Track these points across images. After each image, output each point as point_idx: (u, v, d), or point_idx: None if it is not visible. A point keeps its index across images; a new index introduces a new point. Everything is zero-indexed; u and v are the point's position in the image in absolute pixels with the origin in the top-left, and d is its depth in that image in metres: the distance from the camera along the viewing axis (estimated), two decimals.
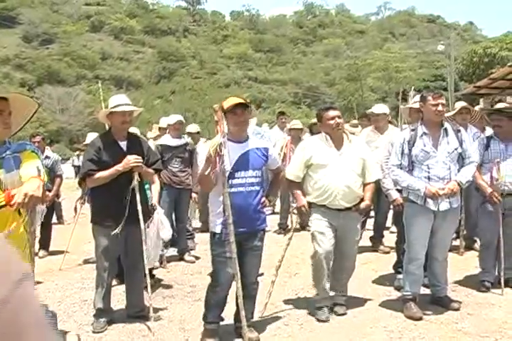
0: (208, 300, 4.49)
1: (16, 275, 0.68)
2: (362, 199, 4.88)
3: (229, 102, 4.26)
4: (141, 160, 4.67)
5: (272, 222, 9.59)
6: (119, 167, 4.58)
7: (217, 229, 4.30)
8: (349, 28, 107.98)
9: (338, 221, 4.84)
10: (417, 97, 5.79)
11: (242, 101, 4.30)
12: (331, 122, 4.79)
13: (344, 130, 4.98)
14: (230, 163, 4.22)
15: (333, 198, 4.76)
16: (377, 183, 6.23)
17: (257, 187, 4.37)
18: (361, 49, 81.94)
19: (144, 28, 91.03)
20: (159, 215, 4.90)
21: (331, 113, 4.83)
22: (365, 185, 4.95)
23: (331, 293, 5.03)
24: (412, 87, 8.33)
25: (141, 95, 56.84)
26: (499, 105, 6.19)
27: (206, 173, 4.14)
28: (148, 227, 4.75)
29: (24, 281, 0.68)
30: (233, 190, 4.22)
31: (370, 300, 5.34)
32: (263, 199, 4.47)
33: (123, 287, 5.26)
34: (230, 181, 4.21)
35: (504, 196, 5.43)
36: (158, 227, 4.84)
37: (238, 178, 4.26)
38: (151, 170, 4.85)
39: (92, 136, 7.52)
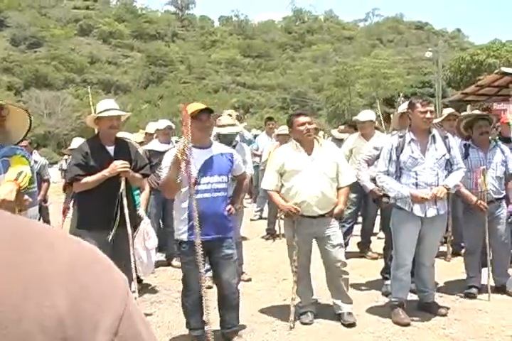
0: (184, 307, 4.48)
1: (122, 289, 0.67)
2: (337, 205, 4.86)
3: (193, 108, 4.24)
4: (128, 165, 4.65)
5: (260, 227, 9.61)
6: (105, 172, 4.56)
7: (184, 237, 4.28)
8: (337, 34, 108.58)
9: (312, 228, 4.81)
10: (405, 105, 5.80)
11: (206, 106, 4.31)
12: (302, 128, 4.78)
13: (315, 136, 4.97)
14: (196, 169, 4.21)
15: (306, 205, 4.72)
16: (362, 189, 6.27)
17: (223, 193, 4.36)
18: (349, 55, 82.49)
19: (132, 33, 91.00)
20: (145, 225, 4.89)
21: (302, 119, 4.83)
22: (338, 189, 4.92)
23: (337, 302, 4.99)
24: (401, 94, 8.37)
25: (129, 99, 56.88)
26: (478, 112, 6.25)
27: (173, 178, 4.09)
28: (134, 238, 4.73)
29: (129, 293, 0.67)
30: (198, 196, 4.18)
31: (357, 305, 5.33)
32: (229, 206, 4.45)
33: None
34: (194, 187, 4.19)
35: (487, 203, 5.44)
36: (144, 238, 4.83)
37: (203, 184, 4.24)
38: (138, 175, 4.83)
39: (77, 141, 7.48)
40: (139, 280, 5.74)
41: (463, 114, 8.21)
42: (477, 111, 6.39)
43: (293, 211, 4.72)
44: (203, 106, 4.31)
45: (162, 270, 7.01)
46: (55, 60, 71.02)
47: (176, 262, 7.25)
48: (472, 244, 5.71)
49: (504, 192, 5.64)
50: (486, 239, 5.48)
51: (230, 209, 4.44)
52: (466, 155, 5.57)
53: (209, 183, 4.25)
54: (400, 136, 4.92)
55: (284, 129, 9.11)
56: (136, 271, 4.75)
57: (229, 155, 4.50)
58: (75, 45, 78.95)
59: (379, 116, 8.75)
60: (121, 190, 4.61)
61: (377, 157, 5.55)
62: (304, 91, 75.02)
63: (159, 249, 7.35)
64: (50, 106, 55.53)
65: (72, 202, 7.12)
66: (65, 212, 7.53)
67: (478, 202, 5.41)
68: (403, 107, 5.80)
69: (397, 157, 4.84)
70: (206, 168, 4.28)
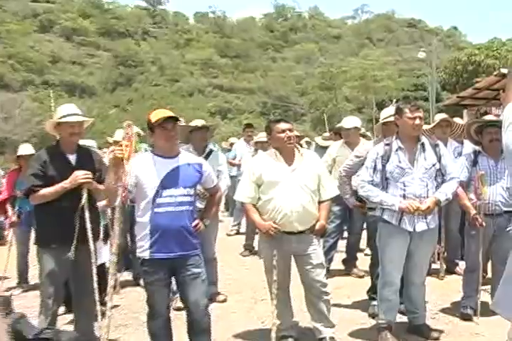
0: (150, 331, 4.46)
1: None
2: (318, 221, 4.87)
3: (157, 115, 4.26)
4: (91, 176, 4.65)
5: (237, 243, 9.62)
6: (65, 183, 4.55)
7: (146, 255, 4.26)
8: (323, 32, 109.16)
9: (291, 246, 4.81)
10: (388, 110, 5.84)
11: (171, 114, 4.32)
12: (282, 135, 4.79)
13: (295, 144, 4.97)
14: (158, 180, 4.21)
15: (285, 220, 4.71)
16: (344, 201, 6.33)
17: (188, 207, 4.33)
18: (336, 55, 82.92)
19: (98, 30, 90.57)
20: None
21: (282, 125, 4.84)
22: (320, 202, 4.93)
23: (317, 325, 5.00)
24: (394, 100, 8.44)
25: (95, 103, 56.56)
26: (489, 117, 6.28)
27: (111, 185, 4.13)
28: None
29: None
30: (161, 209, 4.19)
31: (342, 328, 5.36)
32: (196, 221, 4.44)
33: (71, 316, 5.20)
34: (156, 200, 4.20)
35: (494, 216, 5.47)
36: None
37: (166, 197, 4.22)
38: (102, 187, 4.81)
39: (25, 148, 7.46)
40: (103, 302, 5.72)
41: (460, 119, 8.33)
42: (490, 116, 6.41)
43: (273, 230, 4.71)
44: (168, 113, 4.32)
45: (129, 290, 6.99)
46: (11, 59, 70.32)
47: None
48: (473, 260, 5.61)
49: None
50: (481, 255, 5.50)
51: (196, 224, 4.42)
52: (474, 163, 5.61)
53: (173, 196, 4.23)
54: (387, 144, 4.96)
55: (263, 136, 9.14)
56: (100, 292, 4.74)
57: (197, 166, 4.50)
58: (35, 43, 78.24)
59: (371, 120, 8.83)
60: (82, 203, 4.60)
61: (359, 167, 5.60)
62: (286, 95, 75.18)
63: (126, 267, 7.36)
64: (7, 110, 54.91)
65: (15, 214, 7.12)
66: (11, 226, 7.51)
67: (475, 215, 5.45)
68: (385, 114, 5.81)
69: (383, 166, 4.87)
70: (170, 179, 4.26)
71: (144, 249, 4.27)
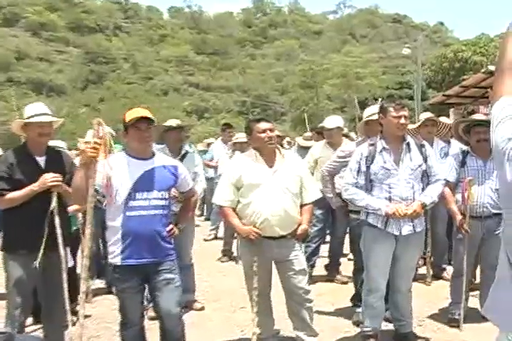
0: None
1: None
2: (300, 225, 4.86)
3: (131, 115, 4.25)
4: (61, 179, 4.61)
5: (215, 248, 9.61)
6: (34, 186, 4.51)
7: (117, 261, 4.23)
8: (304, 28, 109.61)
9: (272, 251, 4.80)
10: (371, 109, 5.86)
11: (146, 114, 4.30)
12: (262, 135, 4.78)
13: (276, 145, 4.97)
14: (131, 182, 4.20)
15: (266, 224, 4.70)
16: (329, 203, 6.35)
17: (162, 211, 4.32)
18: (317, 52, 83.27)
19: (67, 24, 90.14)
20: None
21: (262, 125, 4.83)
22: (302, 206, 4.93)
23: (299, 334, 5.00)
24: (380, 99, 8.47)
25: (64, 102, 56.21)
26: (477, 116, 6.31)
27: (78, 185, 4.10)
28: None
29: None
30: (133, 213, 4.18)
31: (325, 337, 5.36)
32: (170, 226, 4.42)
33: (40, 326, 5.16)
34: (129, 203, 4.18)
35: (483, 218, 5.50)
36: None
37: (140, 200, 4.21)
38: None
39: None
40: (75, 312, 5.68)
41: (446, 118, 8.37)
42: (479, 116, 6.44)
43: (254, 235, 4.70)
44: (142, 113, 4.30)
45: (101, 299, 6.94)
46: None
47: None
48: (462, 265, 5.61)
49: None
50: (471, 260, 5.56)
51: (171, 229, 4.40)
52: (462, 163, 5.63)
53: (146, 199, 4.22)
54: (371, 144, 4.97)
55: (241, 137, 9.11)
56: (70, 301, 4.71)
57: (172, 168, 4.49)
58: None
59: (354, 119, 8.86)
60: (52, 207, 4.56)
61: (342, 167, 5.62)
62: (265, 93, 75.37)
63: (98, 274, 7.31)
64: None
65: None
66: None
67: (461, 221, 5.48)
68: (369, 113, 5.83)
69: (367, 168, 4.88)
70: (143, 181, 4.25)
71: (115, 255, 4.24)
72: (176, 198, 5.18)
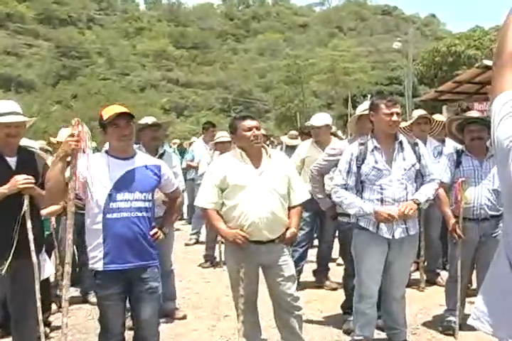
0: None
1: None
2: (288, 228, 4.84)
3: (109, 112, 4.24)
4: (34, 181, 4.55)
5: (197, 253, 9.59)
6: (4, 189, 4.46)
7: (99, 266, 4.22)
8: (289, 20, 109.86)
9: (260, 257, 4.77)
10: (365, 104, 5.86)
11: (125, 110, 4.30)
12: (248, 134, 4.74)
13: (263, 144, 4.94)
14: (111, 183, 4.20)
15: (254, 228, 4.66)
16: (317, 206, 6.35)
17: (145, 214, 4.31)
18: (303, 46, 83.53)
19: (37, 16, 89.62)
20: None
21: (248, 123, 4.78)
22: (290, 208, 4.90)
23: None
24: (369, 96, 8.49)
25: (34, 99, 55.78)
26: (472, 113, 6.33)
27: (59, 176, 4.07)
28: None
29: None
30: (114, 215, 4.17)
31: None
32: (155, 230, 4.42)
33: (9, 339, 5.11)
34: (109, 204, 4.17)
35: (479, 221, 5.50)
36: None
37: (121, 201, 4.21)
38: None
39: None
40: (47, 323, 5.65)
41: (441, 116, 8.40)
42: (474, 113, 6.46)
43: (240, 239, 4.65)
44: (121, 109, 4.30)
45: (76, 308, 6.90)
46: None
47: (93, 298, 7.16)
48: (457, 269, 5.62)
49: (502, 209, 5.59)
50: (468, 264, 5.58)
51: (155, 232, 4.40)
52: (458, 164, 5.62)
53: (128, 201, 4.21)
54: (361, 143, 4.96)
55: (223, 136, 9.04)
56: (43, 311, 4.67)
57: (155, 168, 4.48)
58: None
59: (344, 116, 8.85)
60: (23, 211, 4.52)
61: (333, 166, 5.62)
62: (248, 90, 75.45)
63: (72, 282, 7.26)
64: None
65: None
66: None
67: (454, 227, 5.49)
68: (362, 108, 5.84)
69: (358, 168, 4.87)
70: (125, 182, 4.24)
71: (96, 260, 4.22)
72: (165, 203, 5.17)
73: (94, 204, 4.19)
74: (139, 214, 4.25)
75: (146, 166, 4.41)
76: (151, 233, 4.35)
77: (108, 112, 4.24)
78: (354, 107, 8.38)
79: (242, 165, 4.77)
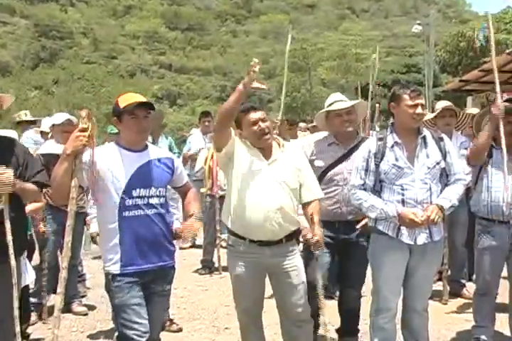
0: None
1: None
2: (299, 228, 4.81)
3: (128, 100, 4.24)
4: (11, 172, 4.48)
5: (193, 258, 9.58)
6: None
7: (115, 269, 4.22)
8: (295, 1, 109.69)
9: (265, 260, 4.74)
10: (335, 96, 5.77)
11: (146, 100, 4.30)
12: (254, 128, 4.70)
13: (273, 136, 4.88)
14: (126, 178, 4.20)
15: (258, 222, 4.61)
16: None
17: (162, 210, 4.35)
18: (311, 29, 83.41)
19: None
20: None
21: (253, 115, 4.73)
22: (304, 205, 4.84)
23: None
24: (380, 85, 8.48)
25: (10, 83, 55.80)
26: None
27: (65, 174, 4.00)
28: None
29: None
30: (130, 213, 4.19)
31: None
32: (177, 224, 4.48)
33: None
34: (125, 201, 4.18)
35: (511, 224, 5.44)
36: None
37: (137, 198, 4.23)
38: (29, 186, 4.65)
39: None
40: (26, 335, 5.64)
41: (475, 109, 8.32)
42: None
43: (253, 69, 4.19)
44: (141, 98, 4.30)
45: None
46: None
47: (78, 307, 7.15)
48: (486, 280, 5.61)
49: None
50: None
51: (177, 229, 4.44)
52: (489, 156, 5.59)
53: (144, 197, 4.23)
54: (380, 138, 4.93)
55: None
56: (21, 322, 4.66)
57: (168, 162, 4.49)
58: None
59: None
60: (0, 209, 4.48)
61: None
62: None
63: (55, 289, 7.25)
64: None
65: None
66: None
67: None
68: (331, 100, 5.67)
69: (376, 166, 4.83)
70: (139, 177, 4.25)
71: (113, 262, 4.23)
72: None
73: (107, 201, 4.19)
74: (156, 211, 4.29)
75: (159, 159, 4.42)
76: (174, 228, 4.41)
77: (127, 100, 4.24)
78: (365, 97, 8.35)
79: (251, 152, 4.74)
